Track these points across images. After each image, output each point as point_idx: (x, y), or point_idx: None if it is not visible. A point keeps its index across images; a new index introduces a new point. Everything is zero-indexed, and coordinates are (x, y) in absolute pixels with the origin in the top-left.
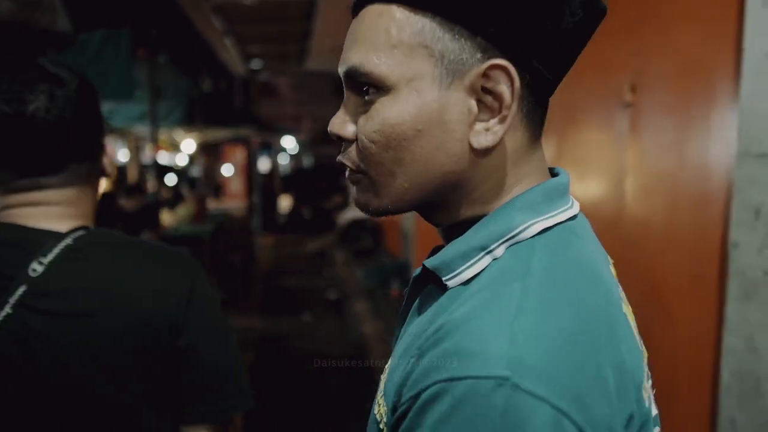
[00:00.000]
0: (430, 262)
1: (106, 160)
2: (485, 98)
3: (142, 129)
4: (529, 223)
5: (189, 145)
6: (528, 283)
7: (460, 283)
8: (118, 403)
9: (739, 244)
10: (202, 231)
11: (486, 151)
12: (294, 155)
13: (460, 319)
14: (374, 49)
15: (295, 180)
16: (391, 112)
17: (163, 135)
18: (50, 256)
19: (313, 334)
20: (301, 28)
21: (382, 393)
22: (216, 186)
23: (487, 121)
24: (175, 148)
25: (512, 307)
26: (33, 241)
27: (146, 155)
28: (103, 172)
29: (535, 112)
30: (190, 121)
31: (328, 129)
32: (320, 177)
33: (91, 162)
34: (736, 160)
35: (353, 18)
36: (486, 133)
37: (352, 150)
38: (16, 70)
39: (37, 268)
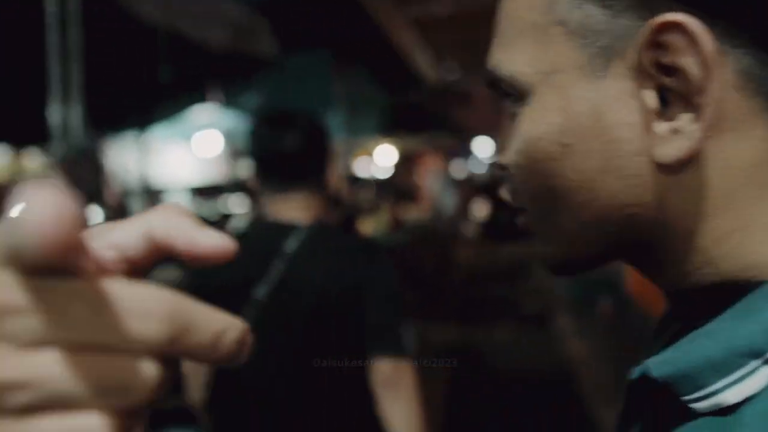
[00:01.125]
0: (658, 369)
1: (329, 175)
2: (668, 82)
3: (340, 140)
4: None
5: (389, 154)
6: None
7: (715, 408)
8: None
9: None
10: (398, 240)
11: (682, 166)
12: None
13: None
14: (503, 44)
15: (493, 186)
16: (530, 125)
17: (362, 146)
18: (295, 243)
19: (512, 350)
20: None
21: None
22: (412, 194)
23: (676, 118)
24: (376, 157)
25: None
26: (288, 227)
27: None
28: (327, 184)
29: None
30: (389, 130)
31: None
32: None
33: (320, 176)
34: None
35: None
36: (677, 137)
37: (511, 183)
38: (272, 118)
39: (290, 246)
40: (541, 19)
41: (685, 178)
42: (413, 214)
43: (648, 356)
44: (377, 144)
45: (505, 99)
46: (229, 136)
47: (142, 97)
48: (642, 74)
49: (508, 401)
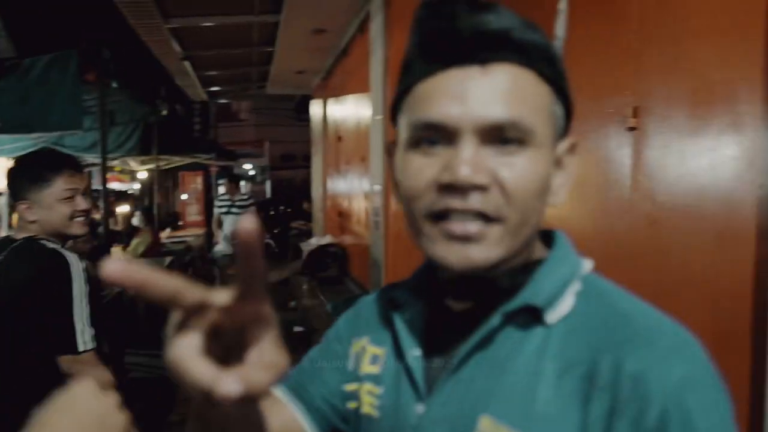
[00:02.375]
0: (532, 299)
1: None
2: (561, 163)
3: (94, 158)
4: (583, 263)
5: (143, 173)
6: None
7: (558, 318)
8: None
9: None
10: (157, 265)
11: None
12: (253, 180)
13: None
14: (528, 108)
15: (257, 205)
16: (536, 164)
17: (116, 163)
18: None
19: None
20: (261, 52)
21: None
22: (174, 215)
23: (559, 181)
24: (130, 176)
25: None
26: (7, 240)
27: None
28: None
29: None
30: (145, 148)
31: (457, 176)
32: (279, 202)
33: (30, 195)
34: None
35: (466, 65)
36: (560, 192)
37: (492, 197)
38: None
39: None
40: (544, 104)
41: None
42: (175, 234)
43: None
44: (136, 163)
45: (497, 139)
46: None
47: None
48: (557, 159)
49: None
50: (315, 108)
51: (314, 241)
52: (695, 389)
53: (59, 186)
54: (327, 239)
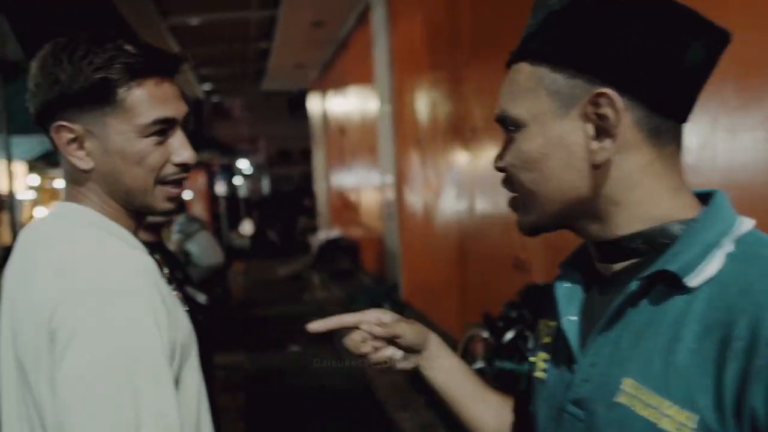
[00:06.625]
0: (668, 265)
1: None
2: (598, 122)
3: None
4: (741, 222)
5: None
6: None
7: (703, 281)
8: None
9: None
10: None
11: (606, 167)
12: (250, 177)
13: None
14: (514, 98)
15: (257, 202)
16: (523, 143)
17: None
18: None
19: (306, 368)
20: (256, 48)
21: (673, 402)
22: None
23: (602, 141)
24: None
25: None
26: None
27: None
28: None
29: (660, 134)
30: None
31: (493, 164)
32: (280, 198)
33: None
34: None
35: (508, 69)
36: (601, 151)
37: (508, 176)
38: None
39: None
40: (534, 86)
41: (612, 173)
42: None
43: (568, 276)
44: None
45: (504, 128)
46: None
47: None
48: (586, 118)
49: (308, 419)
50: (313, 102)
51: (323, 236)
52: None
53: None
54: (335, 233)
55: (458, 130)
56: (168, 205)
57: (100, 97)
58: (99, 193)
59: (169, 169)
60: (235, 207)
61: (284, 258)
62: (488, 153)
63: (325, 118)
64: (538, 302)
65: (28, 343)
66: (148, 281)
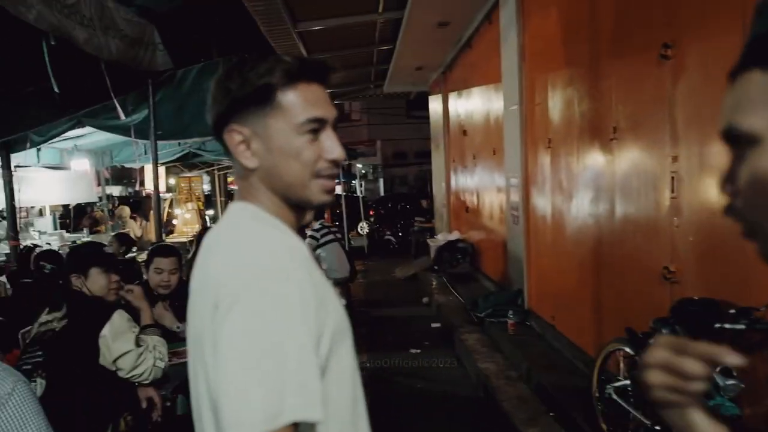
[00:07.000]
0: None
1: None
2: None
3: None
4: None
5: None
6: None
7: None
8: None
9: None
10: None
11: None
12: (366, 177)
13: None
14: (743, 108)
15: (374, 203)
16: (758, 161)
17: None
18: None
19: (426, 371)
20: (381, 51)
21: None
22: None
23: None
24: None
25: None
26: None
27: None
28: None
29: None
30: None
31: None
32: (396, 199)
33: None
34: None
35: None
36: None
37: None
38: None
39: None
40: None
41: None
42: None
43: None
44: None
45: (731, 144)
46: (98, 157)
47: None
48: None
49: (427, 424)
50: (433, 103)
51: (441, 237)
52: None
53: None
54: (455, 235)
55: (597, 130)
56: (324, 197)
57: (263, 100)
58: (263, 190)
59: (323, 165)
60: (354, 208)
61: (400, 259)
62: (632, 154)
63: (445, 119)
64: (694, 319)
65: (203, 316)
66: (300, 265)
